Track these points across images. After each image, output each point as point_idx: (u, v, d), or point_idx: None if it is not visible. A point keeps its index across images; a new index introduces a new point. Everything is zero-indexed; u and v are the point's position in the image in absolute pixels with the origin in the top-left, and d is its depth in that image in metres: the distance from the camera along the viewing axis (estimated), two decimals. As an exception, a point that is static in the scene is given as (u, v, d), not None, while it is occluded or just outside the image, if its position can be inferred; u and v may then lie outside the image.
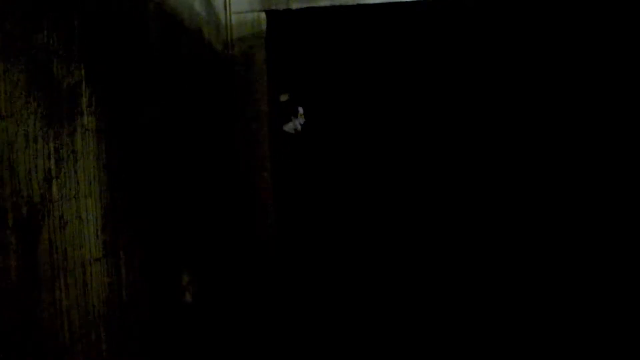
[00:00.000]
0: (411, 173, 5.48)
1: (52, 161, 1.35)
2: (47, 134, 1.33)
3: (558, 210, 5.15)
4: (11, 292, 1.16)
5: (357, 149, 5.60)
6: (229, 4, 3.25)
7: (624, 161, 4.98)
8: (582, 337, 3.30)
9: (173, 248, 2.22)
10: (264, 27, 3.29)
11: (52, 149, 1.35)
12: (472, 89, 5.50)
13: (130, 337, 1.77)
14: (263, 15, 3.28)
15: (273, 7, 3.26)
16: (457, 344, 3.31)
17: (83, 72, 1.52)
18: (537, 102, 5.37)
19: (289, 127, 4.24)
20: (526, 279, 4.46)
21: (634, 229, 4.65)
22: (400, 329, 3.58)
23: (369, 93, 5.58)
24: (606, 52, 5.02)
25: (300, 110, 4.34)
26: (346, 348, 3.32)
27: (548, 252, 4.90)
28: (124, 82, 1.81)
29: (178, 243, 2.28)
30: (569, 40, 5.09)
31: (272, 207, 3.38)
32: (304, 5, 3.23)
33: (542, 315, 3.71)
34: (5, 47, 1.17)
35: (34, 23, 1.30)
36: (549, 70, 5.30)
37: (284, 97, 4.04)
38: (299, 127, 4.31)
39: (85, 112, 1.53)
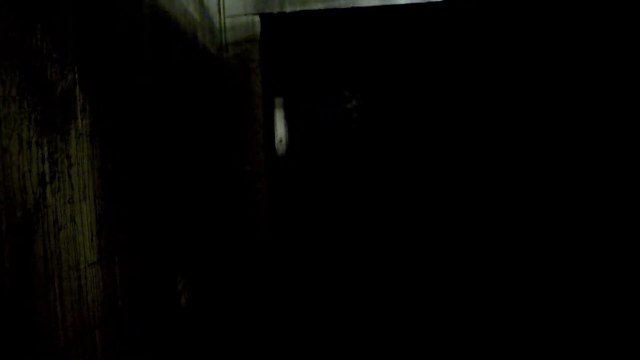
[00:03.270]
0: (405, 174, 5.49)
1: (46, 166, 1.35)
2: (41, 138, 1.32)
3: (557, 212, 5.17)
4: (5, 297, 1.15)
5: (351, 150, 5.60)
6: (223, 7, 3.26)
7: (622, 162, 5.01)
8: (582, 337, 3.31)
9: (168, 252, 2.21)
10: (258, 30, 3.30)
11: (46, 153, 1.35)
12: (465, 91, 5.53)
13: (126, 342, 1.76)
14: (257, 18, 3.28)
15: (267, 11, 3.27)
16: (455, 344, 3.32)
17: (77, 76, 1.52)
18: (533, 106, 5.40)
19: None
20: (522, 278, 4.47)
21: (632, 229, 4.68)
22: (398, 328, 3.59)
23: (362, 94, 5.59)
24: (609, 58, 5.05)
25: None
26: (342, 350, 3.32)
27: (545, 253, 4.92)
28: (118, 86, 1.81)
29: (173, 247, 2.27)
30: (564, 42, 5.13)
31: (269, 213, 3.38)
32: (298, 9, 3.24)
33: (539, 316, 3.72)
34: (-1, 51, 1.17)
35: (28, 27, 1.29)
36: (545, 74, 5.33)
37: None
38: None
39: (79, 116, 1.52)
